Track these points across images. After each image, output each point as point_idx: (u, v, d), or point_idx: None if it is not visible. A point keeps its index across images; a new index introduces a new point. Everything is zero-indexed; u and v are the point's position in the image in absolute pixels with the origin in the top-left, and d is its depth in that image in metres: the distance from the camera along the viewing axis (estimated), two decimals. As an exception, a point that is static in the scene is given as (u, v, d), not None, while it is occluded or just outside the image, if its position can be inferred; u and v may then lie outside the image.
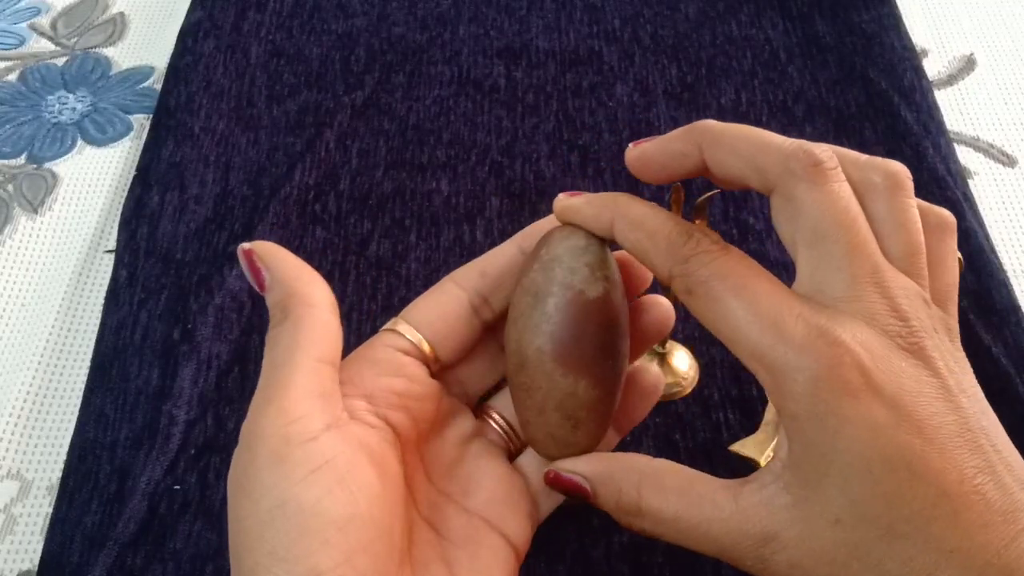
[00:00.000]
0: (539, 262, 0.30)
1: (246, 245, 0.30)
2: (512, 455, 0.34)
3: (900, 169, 0.27)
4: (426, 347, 0.31)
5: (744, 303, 0.25)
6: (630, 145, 0.31)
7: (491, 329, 0.33)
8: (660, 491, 0.28)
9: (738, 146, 0.28)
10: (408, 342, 0.31)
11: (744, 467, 0.41)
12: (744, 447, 0.39)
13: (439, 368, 0.32)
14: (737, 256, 0.27)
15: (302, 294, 0.30)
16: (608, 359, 0.29)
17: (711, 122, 0.29)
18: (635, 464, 0.30)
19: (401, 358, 0.31)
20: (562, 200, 0.30)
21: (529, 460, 0.33)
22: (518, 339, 0.29)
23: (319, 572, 0.24)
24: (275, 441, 0.26)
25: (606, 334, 0.29)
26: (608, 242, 0.30)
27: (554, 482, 0.31)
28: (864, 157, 0.27)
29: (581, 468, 0.30)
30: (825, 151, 0.26)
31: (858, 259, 0.25)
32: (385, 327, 0.32)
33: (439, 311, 0.32)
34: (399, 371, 0.30)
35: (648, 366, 0.33)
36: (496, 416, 0.34)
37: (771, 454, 0.39)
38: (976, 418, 0.24)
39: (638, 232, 0.28)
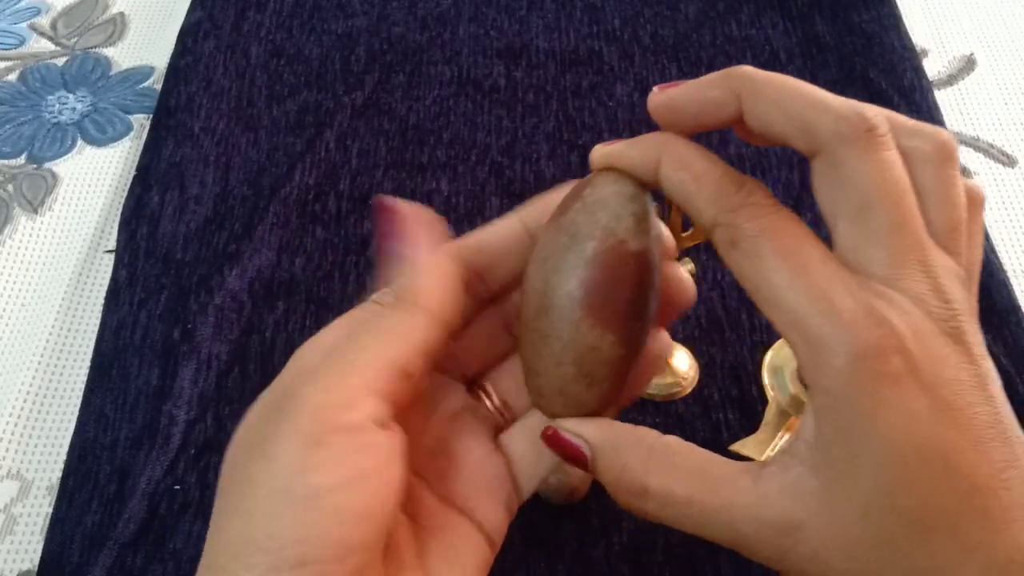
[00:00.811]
0: (582, 202, 0.27)
1: (403, 203, 0.26)
2: (499, 431, 0.31)
3: (949, 139, 0.25)
4: None
5: (792, 267, 0.24)
6: (655, 89, 0.28)
7: (489, 304, 0.31)
8: (671, 470, 0.25)
9: (784, 100, 0.25)
10: None
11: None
12: (744, 447, 0.39)
13: None
14: (788, 215, 0.25)
15: (436, 297, 0.26)
16: (638, 319, 0.27)
17: (752, 69, 0.26)
18: (644, 438, 0.26)
19: None
20: (601, 148, 0.27)
21: (514, 440, 0.31)
22: (545, 280, 0.27)
23: (307, 562, 0.23)
24: (316, 421, 0.24)
25: (641, 292, 0.27)
26: (650, 193, 0.28)
27: (551, 440, 0.28)
28: (912, 123, 0.26)
29: (585, 432, 0.27)
30: (879, 115, 0.24)
31: (905, 235, 0.23)
32: (374, 297, 0.28)
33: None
34: None
35: (658, 333, 0.30)
36: (491, 390, 0.31)
37: (772, 453, 0.39)
38: (1005, 408, 0.23)
39: (684, 172, 0.26)
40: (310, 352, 0.26)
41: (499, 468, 0.30)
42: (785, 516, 0.23)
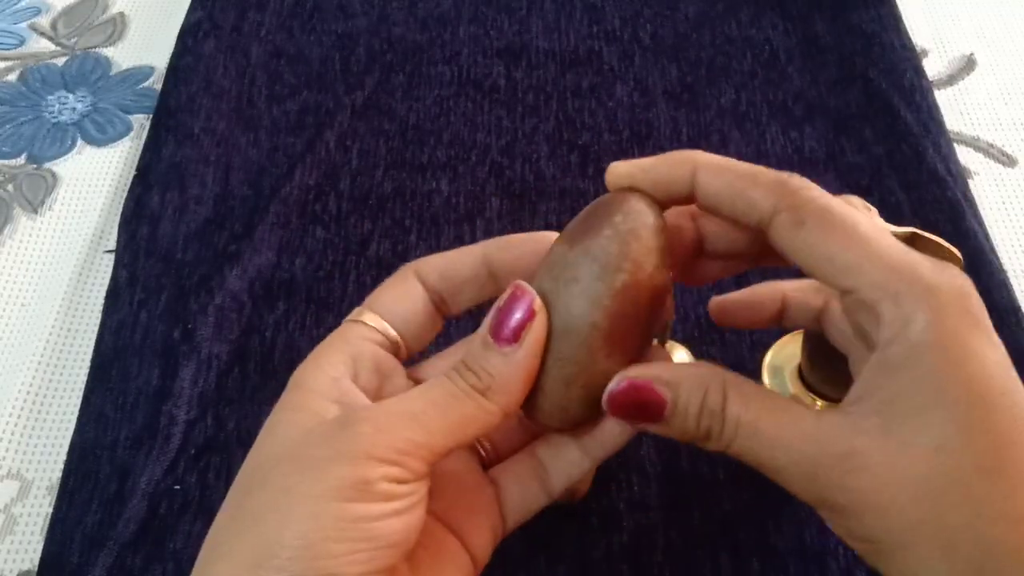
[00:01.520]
0: (613, 229, 0.27)
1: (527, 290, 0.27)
2: (485, 465, 0.33)
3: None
4: (397, 337, 0.30)
5: (866, 234, 0.24)
6: (612, 164, 0.28)
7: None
8: (743, 396, 0.26)
9: (724, 179, 0.27)
10: (380, 335, 0.30)
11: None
12: None
13: (406, 359, 0.31)
14: (836, 197, 0.26)
15: (517, 399, 0.27)
16: (647, 344, 0.28)
17: (700, 153, 0.28)
18: (718, 370, 0.27)
19: (379, 352, 0.30)
20: (621, 166, 0.27)
21: (503, 475, 0.32)
22: (567, 305, 0.27)
23: (335, 575, 0.24)
24: (371, 467, 0.25)
25: (654, 319, 0.27)
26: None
27: (627, 393, 0.27)
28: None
29: (663, 373, 0.27)
30: (795, 177, 0.26)
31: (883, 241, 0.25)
32: (351, 318, 0.30)
33: (405, 303, 0.30)
34: (379, 367, 0.29)
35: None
36: None
37: None
38: None
39: (729, 174, 0.26)
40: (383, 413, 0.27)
41: (490, 495, 0.31)
42: (847, 445, 0.24)
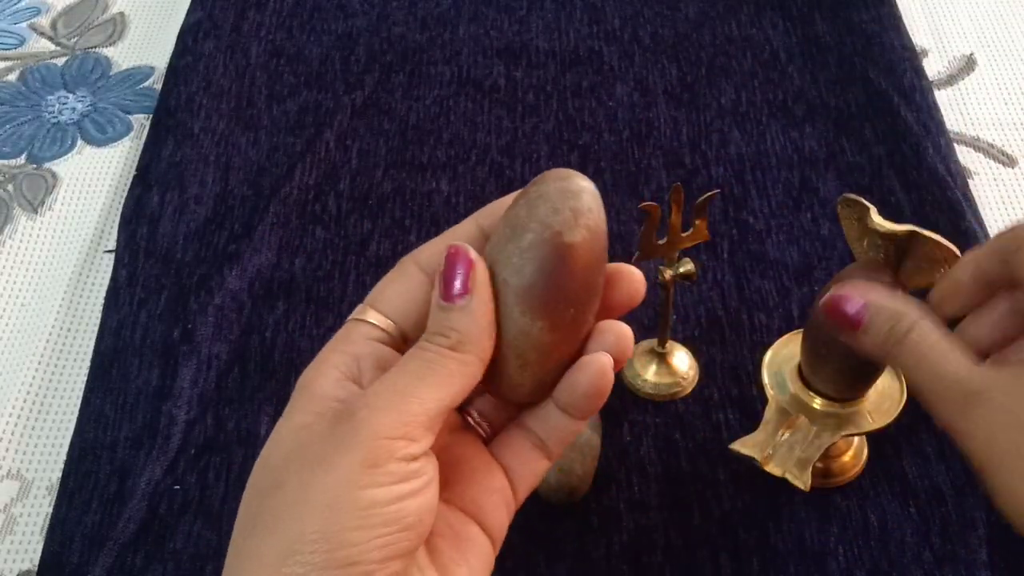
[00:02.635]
0: (525, 198, 0.29)
1: (470, 253, 0.29)
2: (486, 442, 0.33)
3: None
4: (398, 332, 0.30)
5: None
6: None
7: None
8: (923, 333, 0.31)
9: None
10: (383, 332, 0.30)
11: (745, 467, 0.41)
12: (744, 446, 0.39)
13: None
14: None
15: (487, 346, 0.29)
16: (570, 308, 0.28)
17: None
18: (911, 306, 0.32)
19: (382, 350, 0.30)
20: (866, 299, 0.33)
21: (502, 451, 0.32)
22: (491, 271, 0.29)
23: (356, 563, 0.25)
24: (377, 447, 0.26)
25: (573, 282, 0.28)
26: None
27: (831, 307, 0.33)
28: None
29: (868, 295, 0.33)
30: None
31: None
32: (354, 316, 0.30)
33: (407, 296, 0.30)
34: (384, 365, 0.29)
35: (611, 324, 0.31)
36: (469, 407, 0.33)
37: (771, 452, 0.38)
38: None
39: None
40: (381, 389, 0.28)
41: (500, 474, 0.32)
42: (979, 385, 0.29)
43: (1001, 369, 0.30)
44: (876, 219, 0.34)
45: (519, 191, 0.30)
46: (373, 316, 0.30)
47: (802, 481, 0.37)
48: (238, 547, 0.27)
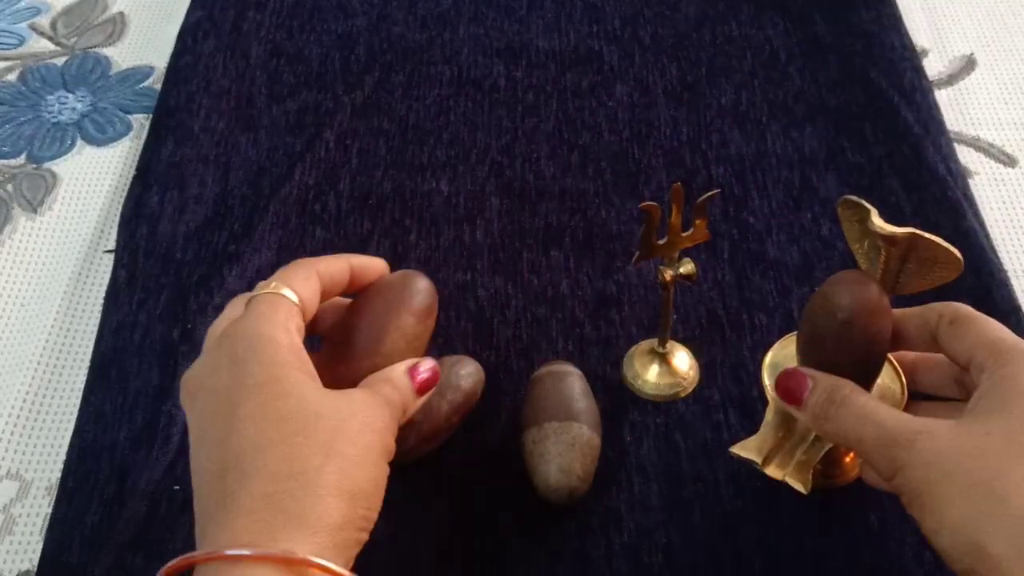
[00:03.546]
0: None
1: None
2: None
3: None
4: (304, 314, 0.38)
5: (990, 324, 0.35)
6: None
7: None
8: (861, 393, 0.35)
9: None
10: (298, 307, 0.37)
11: (744, 467, 0.41)
12: (744, 449, 0.39)
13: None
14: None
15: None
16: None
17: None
18: (845, 380, 0.36)
19: (299, 319, 0.37)
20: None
21: None
22: None
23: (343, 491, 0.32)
24: (389, 442, 0.35)
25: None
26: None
27: (789, 377, 0.37)
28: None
29: (812, 372, 0.37)
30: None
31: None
32: (271, 290, 0.37)
33: (309, 288, 0.38)
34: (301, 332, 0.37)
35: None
36: None
37: (771, 454, 0.38)
38: None
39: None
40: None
41: None
42: (923, 425, 0.32)
43: (937, 419, 0.33)
44: (877, 222, 0.34)
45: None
46: (291, 294, 0.37)
47: (802, 484, 0.37)
48: (311, 465, 0.32)
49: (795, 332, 0.41)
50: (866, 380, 0.37)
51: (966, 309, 0.36)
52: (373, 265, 0.41)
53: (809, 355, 0.38)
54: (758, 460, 0.38)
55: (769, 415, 0.39)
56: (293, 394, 0.33)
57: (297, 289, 0.37)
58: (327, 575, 0.30)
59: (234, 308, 0.39)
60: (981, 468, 0.30)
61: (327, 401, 0.34)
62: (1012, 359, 0.33)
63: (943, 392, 0.39)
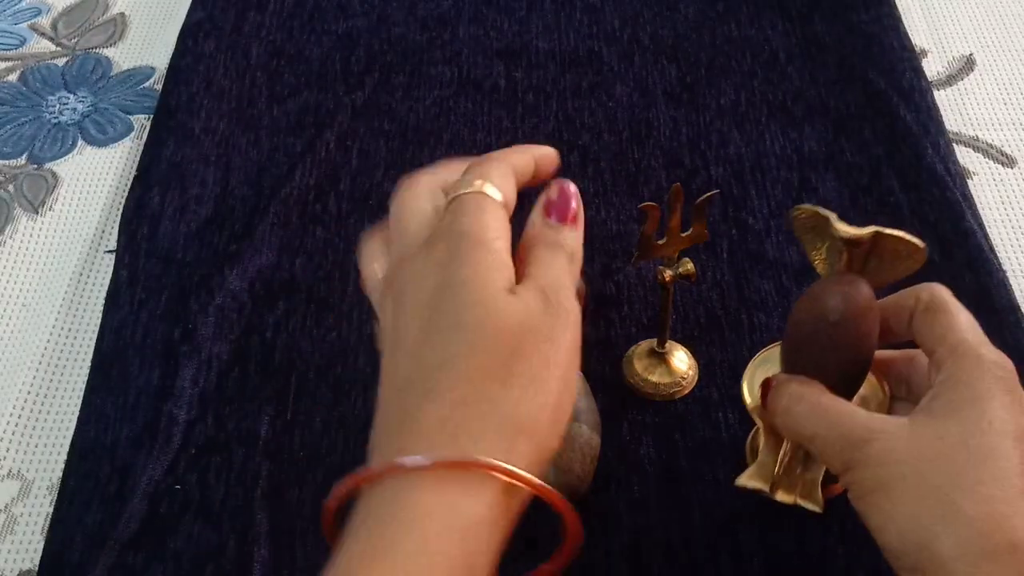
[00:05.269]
0: None
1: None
2: None
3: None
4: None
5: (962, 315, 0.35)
6: None
7: None
8: (813, 387, 0.35)
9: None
10: (504, 207, 0.35)
11: (743, 465, 0.41)
12: (751, 479, 0.37)
13: None
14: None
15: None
16: None
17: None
18: (807, 381, 0.36)
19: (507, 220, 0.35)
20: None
21: None
22: None
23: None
24: (577, 331, 0.32)
25: None
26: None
27: (765, 386, 0.37)
28: None
29: (778, 378, 0.37)
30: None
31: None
32: (474, 189, 0.35)
33: (508, 181, 0.36)
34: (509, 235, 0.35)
35: None
36: None
37: (776, 478, 0.37)
38: None
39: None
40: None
41: None
42: (878, 425, 0.33)
43: (894, 418, 0.33)
44: (839, 226, 0.33)
45: None
46: (496, 192, 0.35)
47: (815, 504, 0.36)
48: (489, 394, 0.29)
49: (767, 348, 0.41)
50: (854, 383, 0.36)
51: (941, 295, 0.35)
52: (550, 157, 0.39)
53: (796, 361, 0.37)
54: (766, 488, 0.37)
55: (762, 439, 0.38)
56: (491, 307, 0.31)
57: (499, 186, 0.35)
58: (512, 480, 0.29)
59: (427, 199, 0.37)
60: (934, 472, 0.31)
61: (519, 315, 0.31)
62: (969, 365, 0.33)
63: (908, 397, 0.39)
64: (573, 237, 0.35)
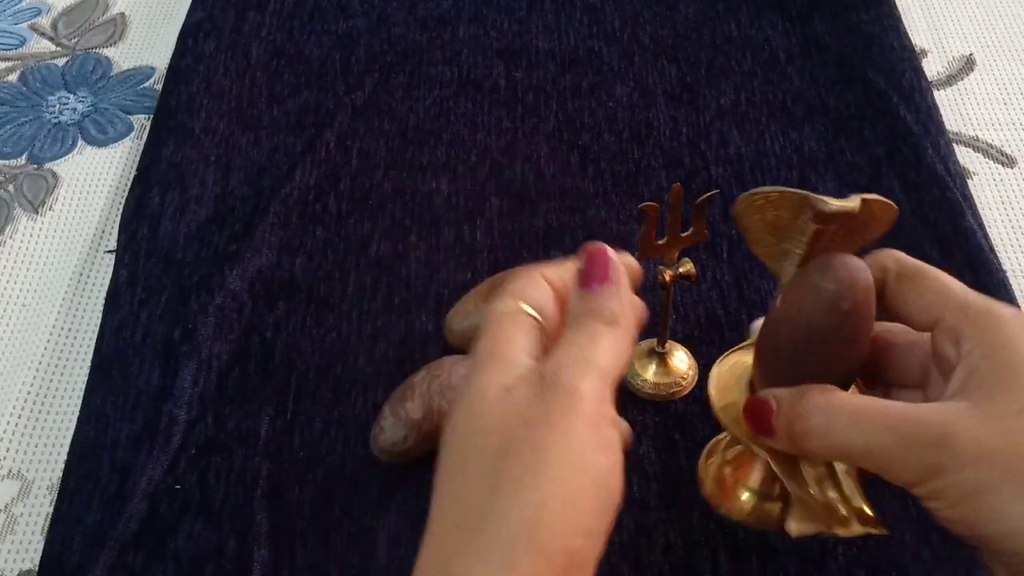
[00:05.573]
0: None
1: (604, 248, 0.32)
2: None
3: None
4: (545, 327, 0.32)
5: (944, 278, 0.32)
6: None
7: None
8: (840, 393, 0.31)
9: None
10: (536, 322, 0.32)
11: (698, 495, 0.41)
12: (802, 524, 0.32)
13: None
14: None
15: (632, 319, 0.32)
16: None
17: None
18: (811, 387, 0.31)
19: (540, 334, 0.32)
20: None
21: None
22: None
23: (588, 534, 0.27)
24: (593, 411, 0.28)
25: None
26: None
27: (749, 407, 0.33)
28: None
29: (775, 392, 0.32)
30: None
31: None
32: (506, 310, 0.32)
33: (543, 298, 0.33)
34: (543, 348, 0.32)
35: None
36: None
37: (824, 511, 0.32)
38: None
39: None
40: (575, 355, 0.30)
41: None
42: (939, 420, 0.28)
43: (947, 404, 0.29)
44: (826, 200, 0.29)
45: None
46: (528, 308, 0.32)
47: (876, 526, 0.32)
48: (476, 507, 0.27)
49: (744, 344, 0.37)
50: (854, 376, 0.33)
51: (910, 260, 0.32)
52: (633, 268, 0.34)
53: (797, 368, 0.32)
54: (826, 528, 0.32)
55: (757, 473, 0.35)
56: (476, 409, 0.28)
57: (531, 301, 0.32)
58: None
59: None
60: None
61: (504, 409, 0.28)
62: (994, 324, 0.29)
63: (910, 382, 0.34)
64: (609, 296, 0.31)
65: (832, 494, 0.32)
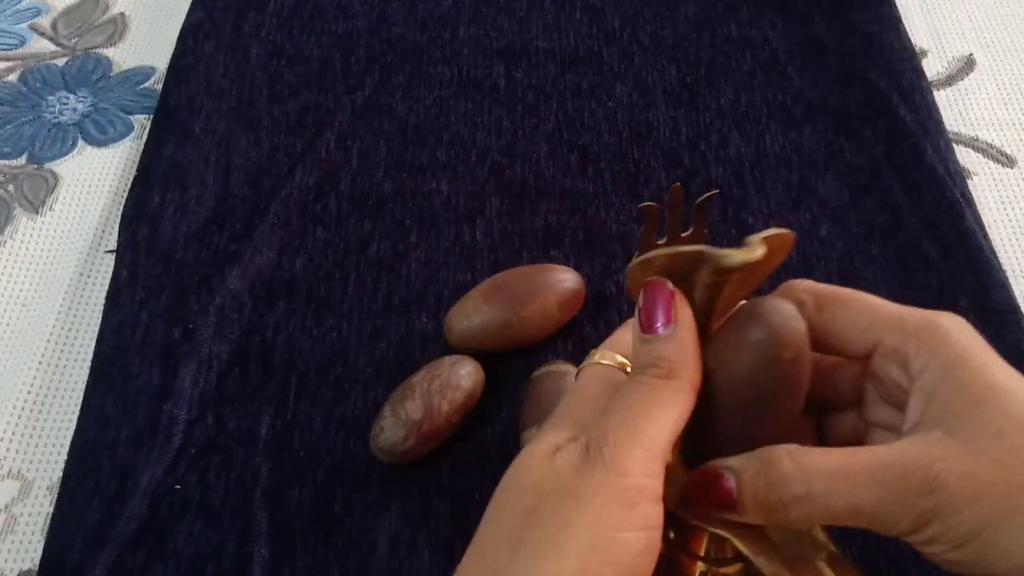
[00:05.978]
0: None
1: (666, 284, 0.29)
2: None
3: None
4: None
5: (870, 298, 0.30)
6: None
7: None
8: (809, 452, 0.28)
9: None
10: (618, 369, 0.31)
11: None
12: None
13: None
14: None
15: (696, 372, 0.29)
16: None
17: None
18: (773, 448, 0.28)
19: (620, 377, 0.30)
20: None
21: None
22: None
23: None
24: (630, 487, 0.26)
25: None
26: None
27: (698, 485, 0.29)
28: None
29: (728, 462, 0.29)
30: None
31: None
32: (595, 361, 0.31)
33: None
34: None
35: None
36: None
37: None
38: None
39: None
40: (620, 421, 0.27)
41: None
42: (925, 459, 0.26)
43: (923, 436, 0.27)
44: (734, 255, 0.27)
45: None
46: (619, 357, 0.31)
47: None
48: (495, 563, 0.26)
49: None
50: (795, 428, 0.30)
51: (823, 287, 0.30)
52: None
53: (746, 430, 0.29)
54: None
55: (749, 553, 0.29)
56: (520, 467, 0.28)
57: (616, 348, 0.31)
58: None
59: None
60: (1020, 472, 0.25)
61: (543, 471, 0.27)
62: (940, 337, 0.28)
63: (842, 405, 0.32)
64: (668, 342, 0.28)
65: (809, 552, 0.30)
